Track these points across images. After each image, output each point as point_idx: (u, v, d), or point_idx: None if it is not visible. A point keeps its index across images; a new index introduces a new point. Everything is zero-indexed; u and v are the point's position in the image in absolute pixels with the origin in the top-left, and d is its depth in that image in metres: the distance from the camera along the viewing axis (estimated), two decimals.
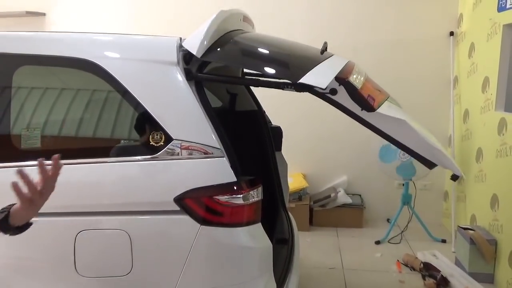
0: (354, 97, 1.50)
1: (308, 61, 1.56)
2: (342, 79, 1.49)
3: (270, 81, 1.56)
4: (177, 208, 1.45)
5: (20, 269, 1.56)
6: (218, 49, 1.55)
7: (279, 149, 2.54)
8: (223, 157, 1.48)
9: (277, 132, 2.52)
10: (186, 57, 1.56)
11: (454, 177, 1.81)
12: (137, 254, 1.48)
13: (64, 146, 1.61)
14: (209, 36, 1.51)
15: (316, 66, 1.51)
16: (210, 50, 1.52)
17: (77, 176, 1.51)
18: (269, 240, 1.59)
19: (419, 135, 1.60)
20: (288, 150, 2.69)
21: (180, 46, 1.54)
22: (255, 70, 1.75)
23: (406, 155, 3.35)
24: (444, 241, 3.43)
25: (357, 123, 1.56)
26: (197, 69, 1.59)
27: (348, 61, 1.72)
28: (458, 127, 3.54)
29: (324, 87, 1.39)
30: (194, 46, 1.49)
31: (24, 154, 1.55)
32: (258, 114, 2.39)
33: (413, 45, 3.72)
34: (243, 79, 2.03)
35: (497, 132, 2.79)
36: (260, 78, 1.78)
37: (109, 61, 1.53)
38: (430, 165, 1.76)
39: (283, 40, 1.94)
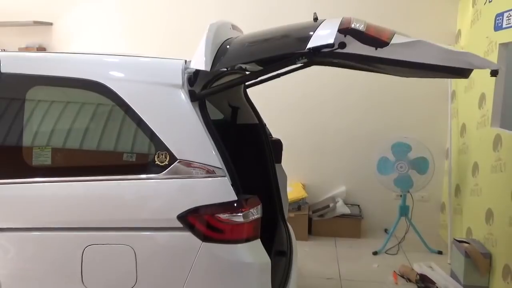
0: (364, 40, 1.53)
1: (307, 30, 1.59)
2: (345, 29, 1.53)
3: (278, 65, 1.59)
4: (180, 225, 1.52)
5: (29, 282, 1.63)
6: (222, 57, 1.60)
7: (279, 161, 2.61)
8: (224, 176, 1.54)
9: (278, 145, 2.59)
10: (191, 79, 1.63)
11: (494, 72, 1.74)
12: (141, 268, 1.55)
13: (73, 164, 1.68)
14: (209, 49, 1.57)
15: (317, 30, 1.55)
16: (216, 61, 1.58)
17: (85, 193, 1.58)
18: (268, 256, 1.65)
19: (442, 48, 1.59)
20: (288, 160, 2.75)
21: (185, 69, 1.62)
22: (263, 57, 1.75)
23: (404, 167, 3.42)
24: (440, 252, 3.49)
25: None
26: (201, 90, 1.66)
27: (343, 17, 1.72)
28: (455, 140, 3.60)
29: (332, 41, 1.45)
30: (201, 63, 1.55)
31: (35, 171, 1.62)
32: (259, 127, 2.46)
33: None
34: (249, 75, 1.96)
35: (493, 148, 2.85)
36: (267, 66, 1.79)
37: (117, 82, 1.60)
38: (465, 72, 1.71)
39: (275, 27, 1.95)
